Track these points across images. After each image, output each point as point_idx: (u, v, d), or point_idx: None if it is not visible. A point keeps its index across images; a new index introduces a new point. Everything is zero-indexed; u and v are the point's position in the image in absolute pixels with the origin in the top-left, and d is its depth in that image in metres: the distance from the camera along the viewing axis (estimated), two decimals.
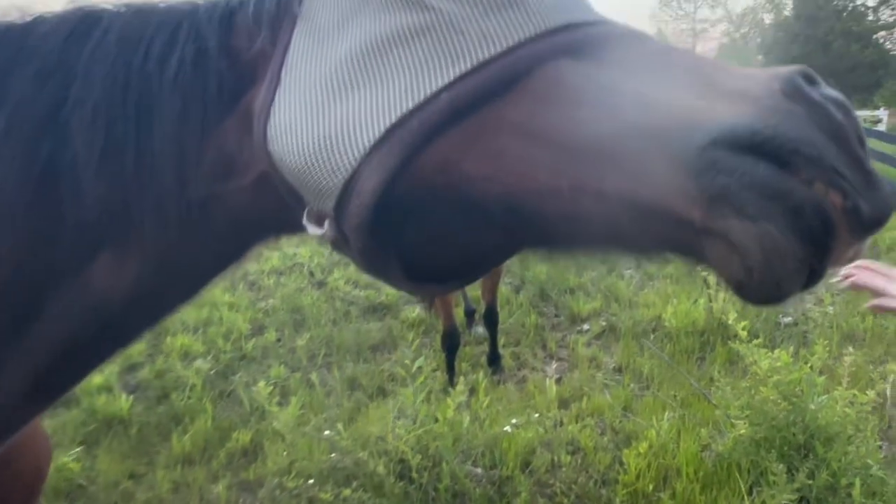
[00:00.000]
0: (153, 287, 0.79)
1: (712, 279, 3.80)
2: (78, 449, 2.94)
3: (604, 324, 4.66)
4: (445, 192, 0.61)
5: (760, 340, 3.12)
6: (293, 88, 0.67)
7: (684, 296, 4.83)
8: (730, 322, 3.26)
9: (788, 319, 4.65)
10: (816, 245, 0.48)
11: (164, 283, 0.80)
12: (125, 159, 0.73)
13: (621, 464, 2.84)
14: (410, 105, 0.59)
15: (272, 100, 0.68)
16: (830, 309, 4.40)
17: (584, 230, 0.58)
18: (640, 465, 2.75)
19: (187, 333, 4.25)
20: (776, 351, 2.91)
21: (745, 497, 2.49)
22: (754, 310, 4.59)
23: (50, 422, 3.18)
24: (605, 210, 0.54)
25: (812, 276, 0.50)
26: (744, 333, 3.06)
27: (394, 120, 0.59)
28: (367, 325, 4.42)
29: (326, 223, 0.66)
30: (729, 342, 3.68)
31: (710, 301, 4.35)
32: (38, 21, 0.79)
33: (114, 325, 0.81)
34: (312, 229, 0.69)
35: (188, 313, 4.55)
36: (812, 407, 2.68)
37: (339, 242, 0.67)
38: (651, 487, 2.65)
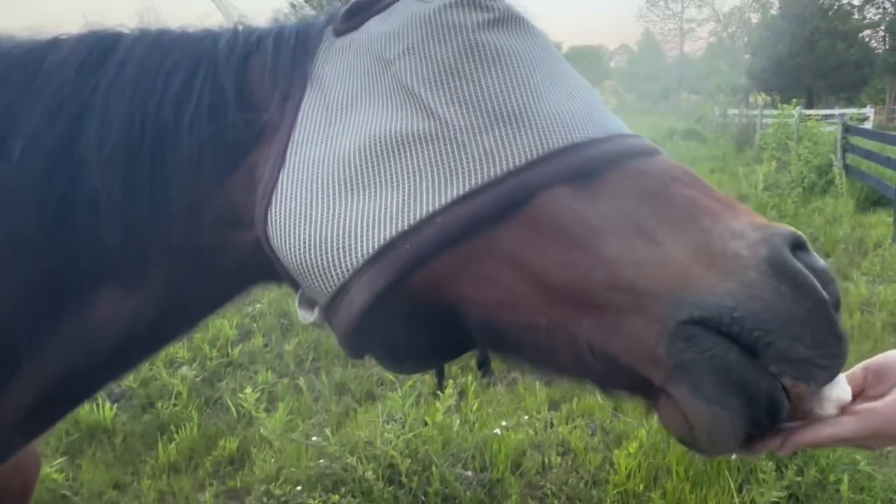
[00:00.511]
0: (154, 323, 0.79)
1: None
2: (61, 459, 2.90)
3: None
4: (431, 305, 0.61)
5: None
6: (295, 179, 0.66)
7: None
8: None
9: None
10: (762, 428, 0.52)
11: (164, 319, 0.80)
12: (140, 202, 0.73)
13: (612, 464, 2.84)
14: (405, 225, 0.58)
15: (275, 184, 0.68)
16: None
17: (552, 360, 0.60)
18: (631, 465, 2.75)
19: None
20: None
21: (735, 495, 2.50)
22: None
23: None
24: (576, 352, 0.56)
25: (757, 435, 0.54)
26: None
27: (387, 239, 0.58)
28: None
29: (316, 311, 0.68)
30: None
31: None
32: (53, 44, 0.78)
33: (112, 358, 0.81)
34: (303, 314, 0.71)
35: None
36: None
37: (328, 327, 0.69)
38: (641, 487, 2.65)
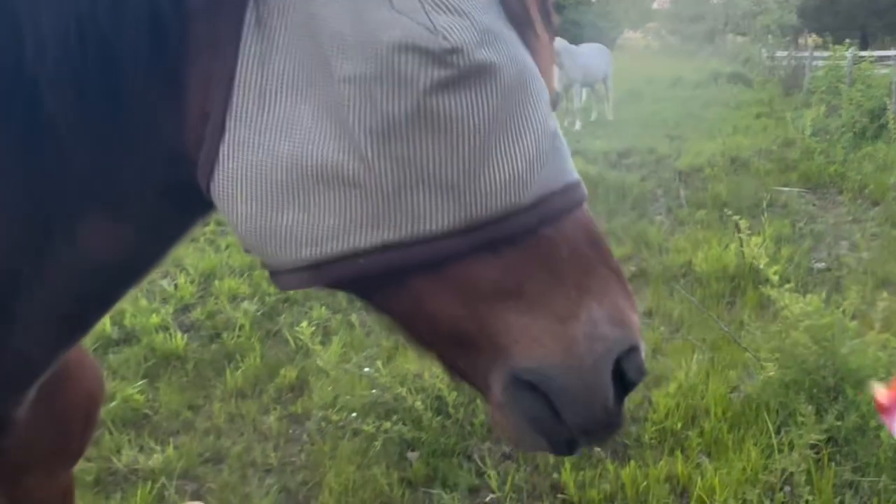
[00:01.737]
0: (139, 247, 0.78)
1: (744, 224, 3.69)
2: (142, 382, 3.07)
3: (633, 269, 4.60)
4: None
5: (792, 285, 3.05)
6: (234, 168, 0.64)
7: (715, 241, 4.72)
8: (761, 267, 3.18)
9: (821, 265, 4.52)
10: (567, 451, 0.71)
11: (148, 244, 0.79)
12: (100, 122, 0.66)
13: (650, 403, 2.85)
14: (332, 252, 0.62)
15: (216, 159, 0.64)
16: (865, 255, 4.26)
17: (425, 344, 0.72)
18: (669, 404, 2.76)
19: (234, 277, 4.35)
20: (808, 296, 2.84)
21: (773, 436, 2.48)
22: (786, 255, 4.47)
23: (114, 357, 3.33)
24: (445, 356, 0.71)
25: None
26: (775, 278, 2.99)
27: (316, 259, 0.63)
28: None
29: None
30: (760, 287, 3.61)
31: (742, 246, 4.23)
32: None
33: (110, 280, 0.80)
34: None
35: (234, 258, 4.64)
36: (843, 351, 2.63)
37: None
38: (679, 426, 2.66)
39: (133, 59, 0.64)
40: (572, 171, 0.67)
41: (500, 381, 0.64)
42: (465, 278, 0.62)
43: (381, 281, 0.64)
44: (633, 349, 0.66)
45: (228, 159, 0.63)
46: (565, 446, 0.68)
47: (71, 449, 1.07)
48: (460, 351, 0.66)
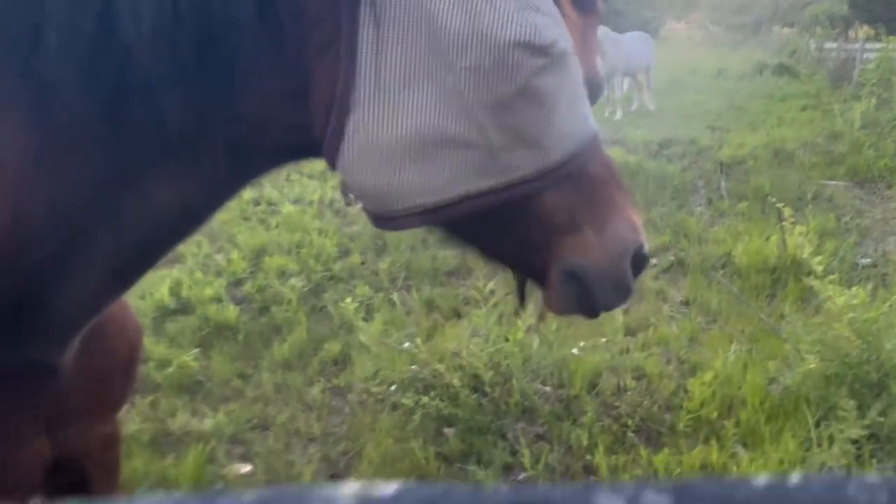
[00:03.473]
0: (202, 200, 0.83)
1: (788, 212, 3.51)
2: (195, 350, 3.15)
3: (672, 258, 4.47)
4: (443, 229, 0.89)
5: (836, 277, 2.89)
6: (362, 139, 0.75)
7: (756, 233, 4.53)
8: (804, 257, 3.03)
9: (867, 261, 4.29)
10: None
11: (209, 197, 0.83)
12: (194, 84, 0.71)
13: (686, 391, 2.77)
14: (448, 198, 0.77)
15: (342, 132, 0.75)
16: None
17: (499, 255, 0.92)
18: (705, 393, 2.67)
19: (283, 254, 4.41)
20: (853, 289, 2.69)
21: (812, 429, 2.37)
22: (831, 249, 4.26)
23: (172, 326, 3.42)
24: (520, 256, 0.89)
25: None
26: (819, 268, 2.84)
27: (435, 205, 0.78)
28: (442, 251, 4.43)
29: (353, 199, 0.88)
30: (802, 279, 3.45)
31: (784, 236, 4.05)
32: None
33: (171, 233, 0.85)
34: (344, 198, 0.92)
35: (283, 236, 4.71)
36: (888, 346, 2.48)
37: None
38: (715, 415, 2.58)
39: (238, 38, 0.71)
40: (593, 121, 0.85)
41: (556, 273, 0.85)
42: (539, 208, 0.80)
43: (479, 216, 0.80)
44: (641, 245, 0.87)
45: (353, 136, 0.75)
46: (591, 312, 0.90)
47: (111, 399, 1.08)
48: (525, 257, 0.86)
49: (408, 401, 2.62)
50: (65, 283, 0.80)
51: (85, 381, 0.98)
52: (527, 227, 0.82)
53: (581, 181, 0.81)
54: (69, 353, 0.92)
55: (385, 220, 0.83)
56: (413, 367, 2.88)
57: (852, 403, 2.27)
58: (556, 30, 0.77)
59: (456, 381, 2.68)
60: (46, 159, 0.71)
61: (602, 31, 7.47)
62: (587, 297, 0.86)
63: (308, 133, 0.78)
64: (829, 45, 17.29)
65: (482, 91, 0.73)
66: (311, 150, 0.83)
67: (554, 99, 0.77)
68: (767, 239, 4.32)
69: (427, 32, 0.72)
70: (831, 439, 2.28)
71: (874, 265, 4.23)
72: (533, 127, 0.76)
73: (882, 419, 2.30)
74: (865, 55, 13.50)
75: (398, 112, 0.73)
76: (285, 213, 5.19)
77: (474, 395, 2.69)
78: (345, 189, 0.88)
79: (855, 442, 2.23)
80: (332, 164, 0.79)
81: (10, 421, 0.88)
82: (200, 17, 0.69)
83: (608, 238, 0.83)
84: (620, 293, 0.87)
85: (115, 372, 1.06)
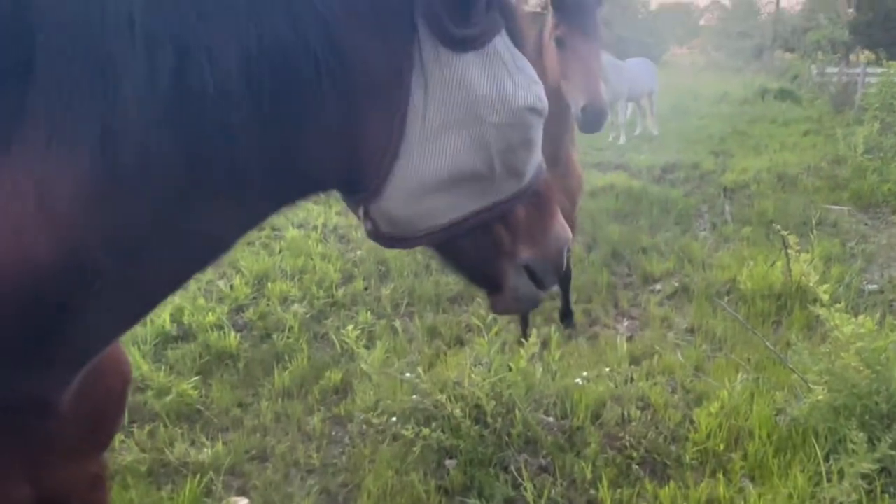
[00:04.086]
0: (238, 234, 0.90)
1: (793, 240, 3.48)
2: (195, 378, 3.12)
3: (676, 284, 4.43)
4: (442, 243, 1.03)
5: (843, 305, 2.85)
6: (405, 177, 0.89)
7: (761, 258, 4.49)
8: (810, 285, 2.98)
9: (874, 287, 4.24)
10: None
11: (245, 230, 0.91)
12: (271, 134, 0.78)
13: (692, 422, 2.71)
14: (460, 216, 0.96)
15: (388, 173, 0.89)
16: None
17: (465, 265, 1.07)
18: (711, 424, 2.61)
19: (285, 280, 4.40)
20: (860, 317, 2.65)
21: (822, 463, 2.31)
22: (836, 275, 4.21)
23: (172, 353, 3.40)
24: (489, 260, 1.05)
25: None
26: (825, 297, 2.79)
27: (452, 222, 0.96)
28: (445, 278, 4.41)
29: (370, 225, 0.97)
30: (808, 307, 3.39)
31: (789, 263, 4.01)
32: None
33: (212, 257, 0.89)
34: (363, 224, 0.99)
35: (286, 262, 4.71)
36: None
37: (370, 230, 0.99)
38: (722, 447, 2.52)
39: (306, 96, 0.81)
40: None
41: (512, 269, 1.03)
42: (512, 219, 1.00)
43: (472, 228, 0.97)
44: (570, 240, 1.11)
45: (397, 177, 0.89)
46: (535, 300, 1.10)
47: (102, 436, 1.06)
48: (491, 259, 1.02)
49: (408, 432, 2.57)
50: (98, 315, 0.79)
51: (80, 421, 0.96)
52: (502, 234, 1.01)
53: (536, 197, 1.03)
54: (69, 390, 0.90)
55: (399, 240, 0.97)
56: (414, 396, 2.83)
57: (862, 436, 2.21)
58: (544, 94, 0.99)
59: (458, 412, 2.64)
60: (111, 197, 0.73)
61: (606, 57, 7.54)
62: (534, 289, 1.07)
63: (349, 175, 0.90)
64: (831, 69, 17.39)
65: (501, 140, 0.93)
66: (340, 187, 0.95)
67: (538, 143, 1.01)
68: (772, 265, 4.28)
69: (464, 94, 0.89)
70: (841, 473, 2.21)
71: (881, 291, 4.17)
72: (522, 164, 0.98)
73: (893, 452, 2.23)
74: (867, 80, 13.56)
75: (437, 155, 0.89)
76: (289, 237, 5.20)
77: (476, 426, 2.64)
78: (360, 212, 0.97)
79: (866, 476, 2.16)
80: (366, 200, 0.92)
81: None
82: (276, 74, 0.76)
83: (552, 238, 1.05)
84: (557, 277, 1.12)
85: (110, 410, 1.04)
